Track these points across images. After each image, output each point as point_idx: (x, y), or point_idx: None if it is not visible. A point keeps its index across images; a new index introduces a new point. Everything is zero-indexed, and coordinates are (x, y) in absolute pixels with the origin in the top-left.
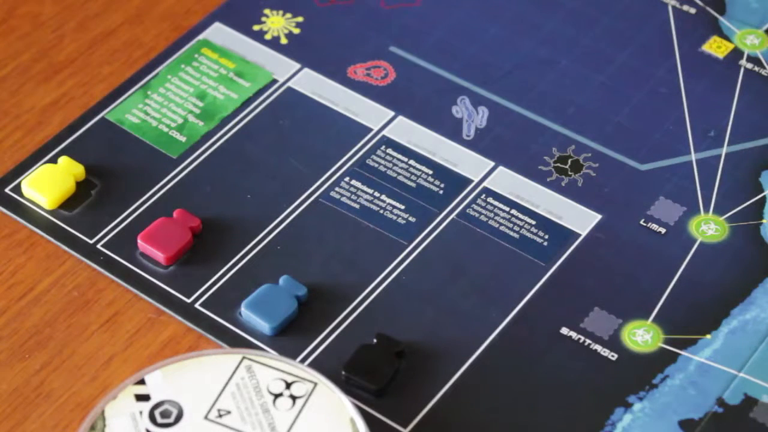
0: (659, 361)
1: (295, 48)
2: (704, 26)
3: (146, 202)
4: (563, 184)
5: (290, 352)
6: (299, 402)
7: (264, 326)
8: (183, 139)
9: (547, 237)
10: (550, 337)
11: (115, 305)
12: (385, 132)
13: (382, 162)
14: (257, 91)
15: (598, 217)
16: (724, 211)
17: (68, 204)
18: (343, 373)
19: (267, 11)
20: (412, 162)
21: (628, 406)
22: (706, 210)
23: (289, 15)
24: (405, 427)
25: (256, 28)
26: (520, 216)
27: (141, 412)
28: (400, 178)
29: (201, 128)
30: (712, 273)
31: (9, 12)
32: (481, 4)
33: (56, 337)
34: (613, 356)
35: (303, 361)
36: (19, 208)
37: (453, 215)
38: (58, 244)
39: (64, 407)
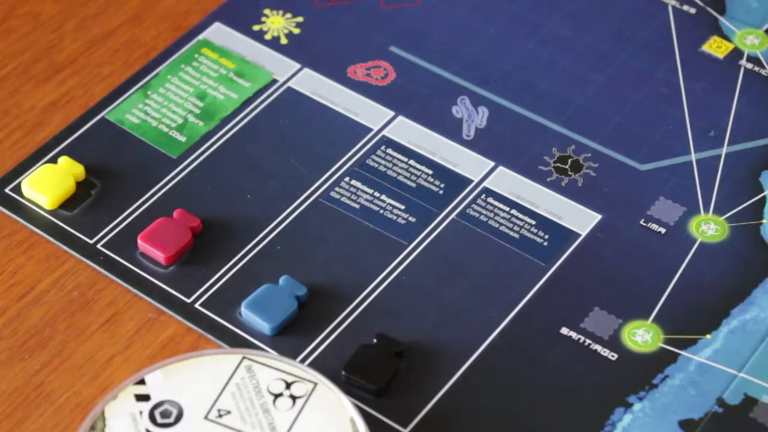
0: (659, 361)
1: (295, 48)
2: (704, 26)
3: (146, 202)
4: (563, 184)
5: (290, 352)
6: (299, 402)
7: (264, 326)
8: (183, 139)
9: (547, 237)
10: (550, 337)
11: (115, 305)
12: (385, 132)
13: (382, 162)
14: (257, 91)
15: (598, 217)
16: (724, 211)
17: (68, 204)
18: (343, 373)
19: (267, 11)
20: (412, 162)
21: (628, 406)
22: (706, 210)
23: (289, 15)
24: (405, 427)
25: (256, 28)
26: (520, 216)
27: (141, 412)
28: (400, 178)
29: (201, 128)
30: (712, 273)
31: (9, 12)
32: (481, 4)
33: (56, 337)
34: (613, 356)
35: (303, 361)
36: (19, 208)
37: (453, 215)
38: (58, 244)
39: (64, 407)
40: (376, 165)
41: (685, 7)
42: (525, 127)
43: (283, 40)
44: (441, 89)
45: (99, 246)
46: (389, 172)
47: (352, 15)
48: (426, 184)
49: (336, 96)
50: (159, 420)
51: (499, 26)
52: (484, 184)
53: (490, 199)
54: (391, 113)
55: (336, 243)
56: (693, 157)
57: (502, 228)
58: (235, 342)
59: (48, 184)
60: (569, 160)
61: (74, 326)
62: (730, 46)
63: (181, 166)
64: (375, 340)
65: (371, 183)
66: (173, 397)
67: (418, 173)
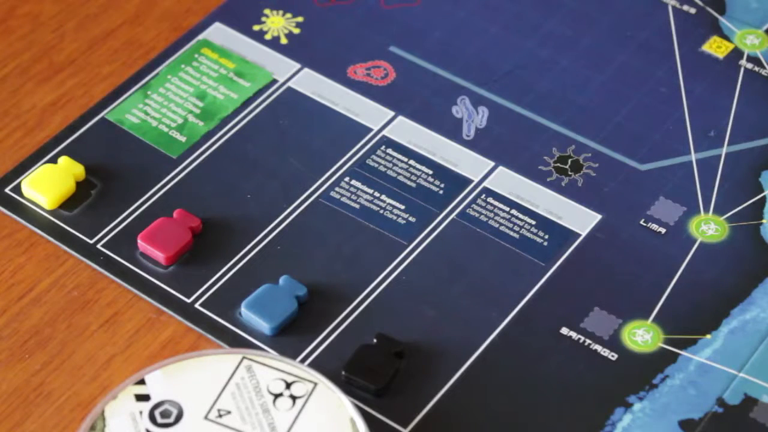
0: (659, 361)
1: (295, 48)
2: (704, 26)
3: (146, 202)
4: (563, 184)
5: (290, 352)
6: (299, 402)
7: (264, 326)
8: (183, 139)
9: (547, 237)
10: (550, 337)
11: (115, 305)
12: (385, 132)
13: (382, 162)
14: (257, 91)
15: (598, 217)
16: (724, 211)
17: (68, 204)
18: (343, 373)
19: (267, 11)
20: (412, 162)
21: (628, 406)
22: (706, 210)
23: (289, 15)
24: (405, 427)
25: (256, 28)
26: (520, 216)
27: (141, 412)
28: (400, 178)
29: (201, 128)
30: (712, 273)
31: (9, 12)
32: (481, 4)
33: (56, 337)
34: (613, 356)
35: (303, 361)
36: (19, 208)
37: (453, 215)
38: (58, 244)
39: (64, 407)
40: (376, 165)
41: (685, 7)
42: (525, 127)
43: (283, 40)
44: (441, 89)
45: (99, 246)
46: (389, 172)
47: (352, 15)
48: (426, 184)
49: (336, 96)
50: (159, 420)
51: (499, 26)
52: (484, 184)
53: (490, 199)
54: (391, 113)
55: (336, 243)
56: (693, 157)
57: (502, 228)
58: (235, 342)
59: (48, 184)
60: (569, 160)
61: (74, 326)
62: (730, 46)
63: (181, 166)
64: (375, 340)
65: (371, 183)
66: (173, 397)
67: (418, 173)
